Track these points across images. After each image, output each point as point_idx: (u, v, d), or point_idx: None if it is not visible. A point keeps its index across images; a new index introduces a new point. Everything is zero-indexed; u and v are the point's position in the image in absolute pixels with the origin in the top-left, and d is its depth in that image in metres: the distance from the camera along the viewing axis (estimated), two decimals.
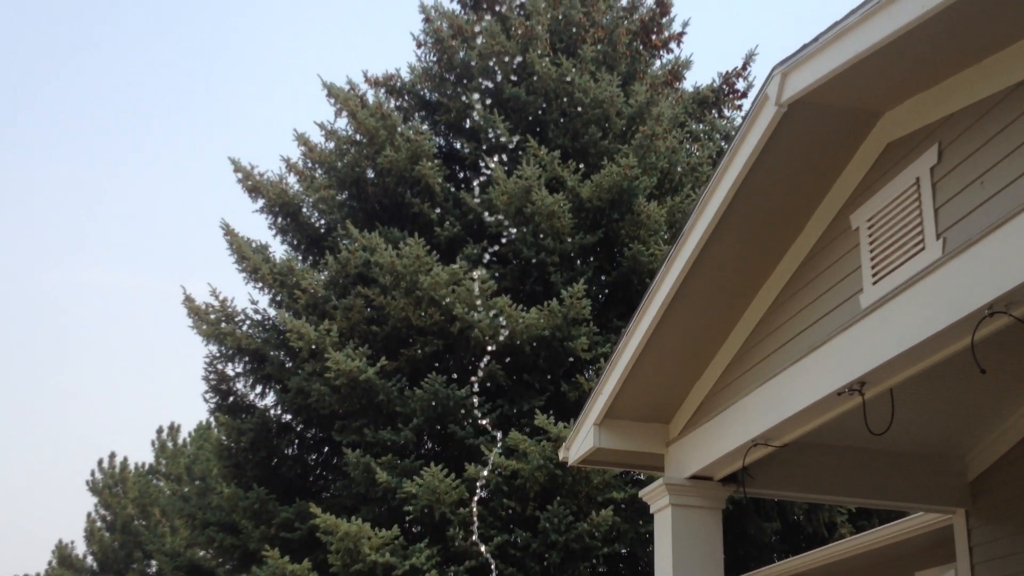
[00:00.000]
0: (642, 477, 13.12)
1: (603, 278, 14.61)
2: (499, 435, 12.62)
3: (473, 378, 13.02)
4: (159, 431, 30.41)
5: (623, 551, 13.24)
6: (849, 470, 6.70)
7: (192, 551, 16.57)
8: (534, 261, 14.01)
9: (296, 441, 15.13)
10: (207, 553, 15.73)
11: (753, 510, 13.87)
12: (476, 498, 12.25)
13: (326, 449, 15.28)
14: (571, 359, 13.66)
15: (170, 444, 30.25)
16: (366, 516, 13.01)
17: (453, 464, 13.25)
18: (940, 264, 4.42)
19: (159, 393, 54.92)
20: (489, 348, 12.90)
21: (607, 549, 12.75)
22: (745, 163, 5.22)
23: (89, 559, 29.79)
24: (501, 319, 13.02)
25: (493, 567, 11.89)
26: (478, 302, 12.93)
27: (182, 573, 15.32)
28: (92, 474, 30.23)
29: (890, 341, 4.69)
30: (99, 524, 29.39)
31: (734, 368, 6.28)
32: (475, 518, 12.02)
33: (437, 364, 14.17)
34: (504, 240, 13.94)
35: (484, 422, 12.82)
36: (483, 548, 11.88)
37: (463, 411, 13.23)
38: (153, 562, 27.81)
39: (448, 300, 13.29)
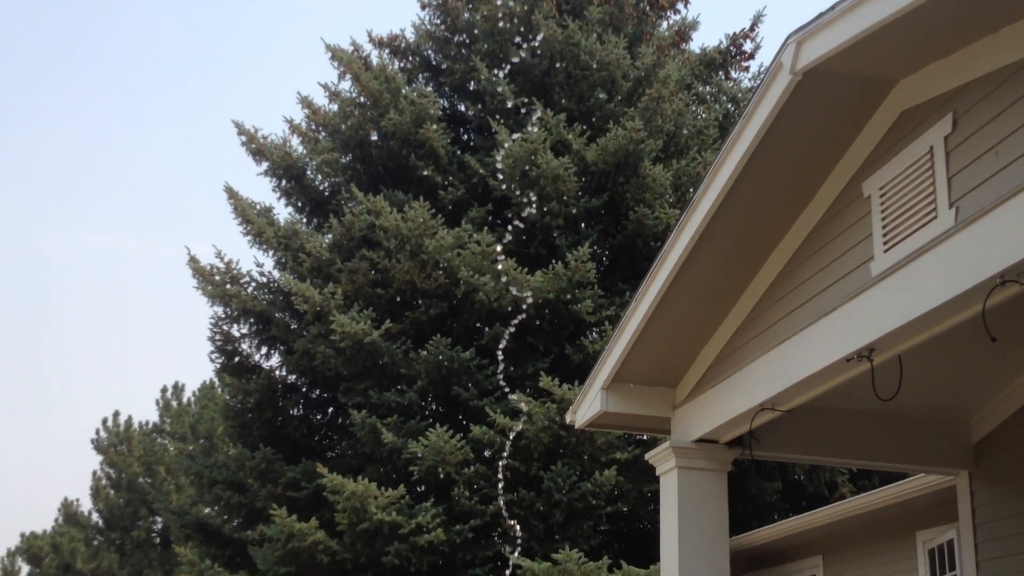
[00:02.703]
0: (645, 438, 13.23)
1: (608, 241, 14.63)
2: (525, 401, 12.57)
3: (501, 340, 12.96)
4: (163, 390, 30.57)
5: (625, 510, 13.38)
6: (854, 433, 6.77)
7: (198, 508, 16.73)
8: (538, 225, 14.03)
9: (302, 402, 15.24)
10: (213, 511, 15.90)
11: (754, 470, 13.99)
12: (503, 458, 12.30)
13: (331, 410, 15.39)
14: (575, 322, 13.73)
15: (174, 403, 30.40)
16: (372, 476, 13.14)
17: (458, 425, 13.37)
18: (953, 233, 4.45)
19: (162, 353, 55.13)
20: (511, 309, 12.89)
21: (610, 509, 12.89)
22: (758, 131, 5.24)
23: (95, 516, 30.01)
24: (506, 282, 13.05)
25: (516, 527, 12.00)
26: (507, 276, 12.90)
27: (188, 530, 15.48)
28: (97, 432, 30.36)
29: (901, 308, 4.73)
30: (104, 482, 29.58)
31: (742, 333, 6.33)
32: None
33: (442, 326, 14.25)
34: (514, 204, 13.89)
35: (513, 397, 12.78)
36: (501, 502, 11.99)
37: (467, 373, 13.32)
38: (159, 519, 28.05)
39: (453, 263, 13.34)
